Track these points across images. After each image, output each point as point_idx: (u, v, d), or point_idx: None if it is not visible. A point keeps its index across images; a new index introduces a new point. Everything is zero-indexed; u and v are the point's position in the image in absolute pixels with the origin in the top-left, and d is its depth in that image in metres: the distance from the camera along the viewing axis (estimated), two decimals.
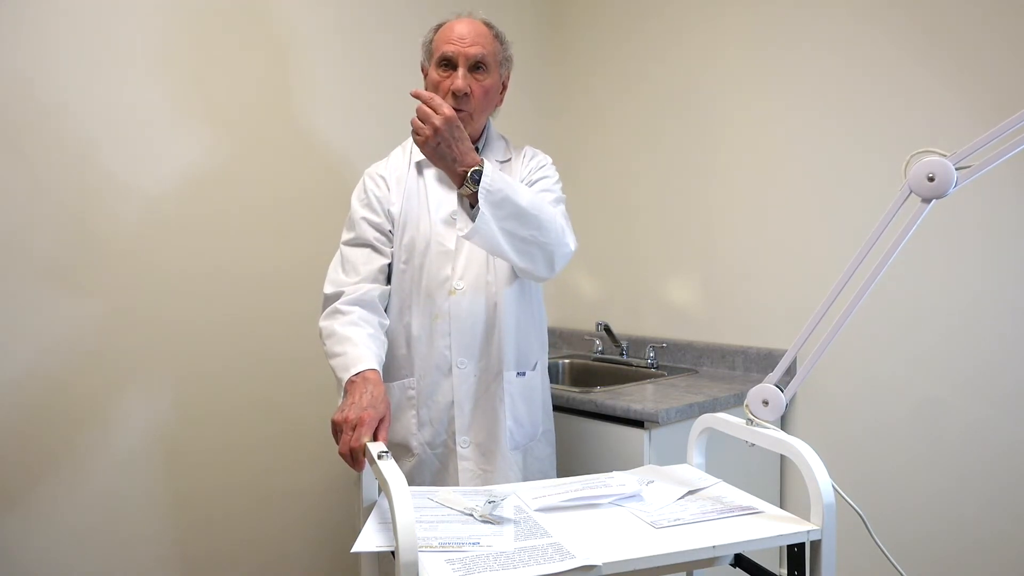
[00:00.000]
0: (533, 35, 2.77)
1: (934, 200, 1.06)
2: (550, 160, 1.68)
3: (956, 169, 1.04)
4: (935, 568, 1.89)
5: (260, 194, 2.08)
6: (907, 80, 1.92)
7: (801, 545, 1.10)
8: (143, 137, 1.88)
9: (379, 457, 1.07)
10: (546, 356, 1.71)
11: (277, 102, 2.11)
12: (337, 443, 1.20)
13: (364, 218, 1.57)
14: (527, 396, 1.61)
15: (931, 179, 1.05)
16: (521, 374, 1.60)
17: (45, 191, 1.75)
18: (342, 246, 1.58)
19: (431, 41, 1.58)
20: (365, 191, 1.60)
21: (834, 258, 2.05)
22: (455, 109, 1.51)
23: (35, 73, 1.72)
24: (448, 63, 1.52)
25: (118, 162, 1.84)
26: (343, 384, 1.32)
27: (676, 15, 2.44)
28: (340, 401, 1.32)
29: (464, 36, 1.52)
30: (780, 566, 2.04)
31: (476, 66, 1.52)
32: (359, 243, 1.56)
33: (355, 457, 1.17)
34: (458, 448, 1.54)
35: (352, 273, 1.52)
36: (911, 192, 1.07)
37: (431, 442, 1.56)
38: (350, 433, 1.18)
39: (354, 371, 1.31)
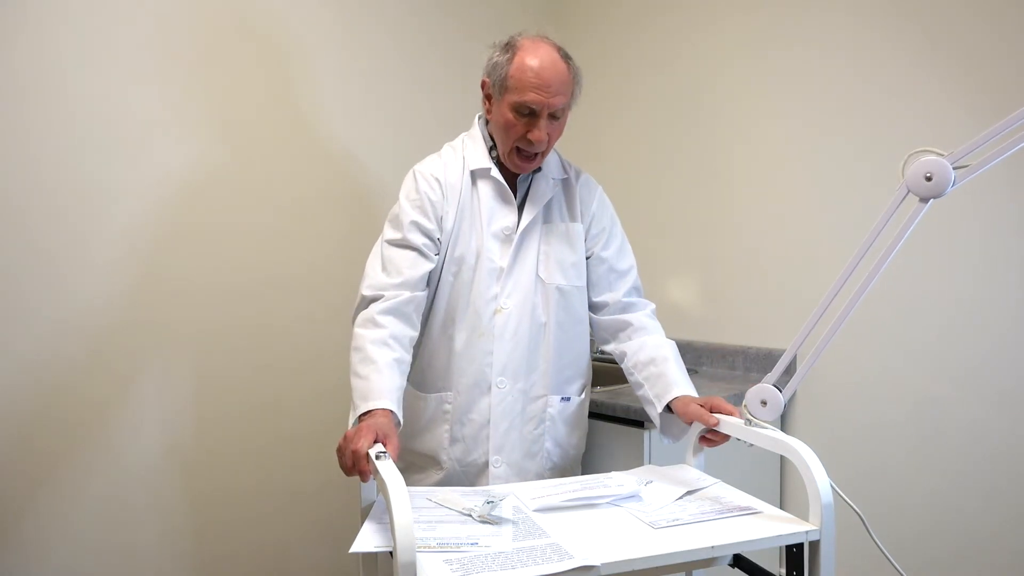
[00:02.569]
0: None
1: (932, 199, 1.06)
2: (608, 201, 1.66)
3: (954, 168, 1.04)
4: (934, 567, 1.89)
5: (266, 198, 2.08)
6: (906, 81, 1.92)
7: (800, 545, 1.10)
8: (150, 140, 1.87)
9: (377, 458, 1.07)
10: (590, 382, 1.68)
11: (282, 104, 2.10)
12: (340, 466, 1.17)
13: (414, 222, 1.48)
14: (570, 421, 1.60)
15: (929, 178, 1.05)
16: (566, 399, 1.59)
17: (52, 193, 1.74)
18: (385, 243, 1.50)
19: (507, 76, 1.44)
20: (417, 191, 1.51)
21: (834, 258, 2.04)
22: (529, 155, 1.49)
23: (38, 74, 1.72)
24: (529, 111, 1.44)
25: (122, 164, 1.84)
26: (356, 411, 1.30)
27: (677, 19, 2.43)
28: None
29: (550, 85, 1.42)
30: (780, 566, 2.03)
31: (555, 113, 1.46)
32: (404, 245, 1.48)
33: (357, 463, 1.13)
34: (491, 467, 1.52)
35: (395, 274, 1.45)
36: (909, 191, 1.07)
37: (461, 459, 1.54)
38: (351, 449, 1.14)
39: (370, 405, 1.27)
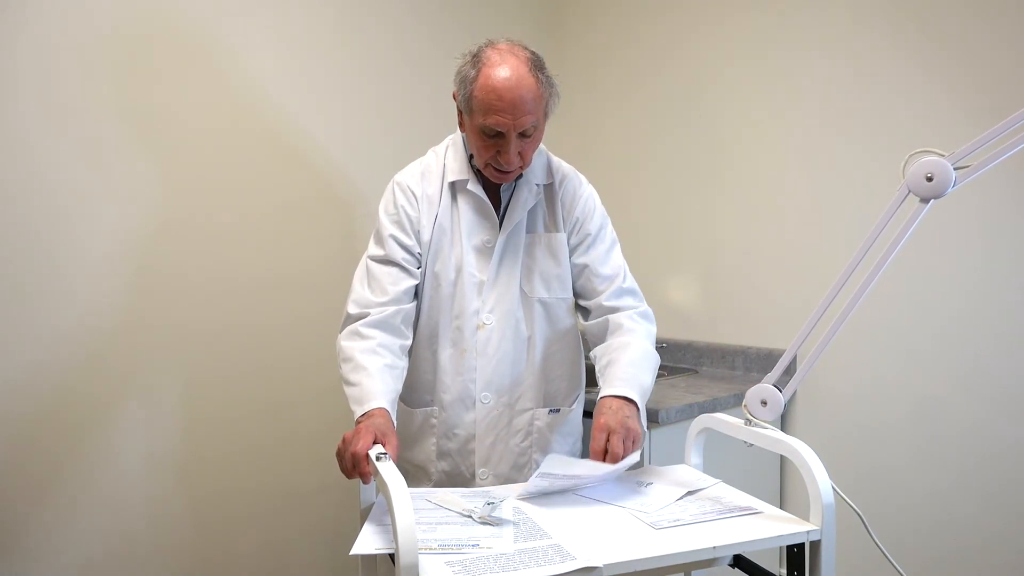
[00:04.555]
0: (532, 39, 2.74)
1: (932, 200, 1.06)
2: (596, 196, 1.60)
3: (954, 169, 1.04)
4: (934, 567, 1.89)
5: (263, 199, 2.08)
6: (906, 82, 1.92)
7: (801, 545, 1.10)
8: (145, 140, 1.87)
9: (378, 459, 1.07)
10: (583, 393, 1.65)
11: (278, 104, 2.10)
12: (341, 470, 1.17)
13: (393, 236, 1.47)
14: (561, 430, 1.58)
15: (929, 179, 1.05)
16: (555, 411, 1.57)
17: (51, 195, 1.74)
18: (368, 260, 1.49)
19: (471, 95, 1.37)
20: (395, 206, 1.49)
21: (834, 258, 2.05)
22: (504, 172, 1.43)
23: (36, 73, 1.72)
24: (496, 133, 1.38)
25: (120, 165, 1.84)
26: (355, 418, 1.29)
27: (677, 19, 2.44)
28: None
29: (515, 106, 1.34)
30: (780, 566, 2.03)
31: (524, 131, 1.38)
32: (387, 261, 1.47)
33: (358, 466, 1.13)
34: (477, 480, 1.52)
35: (379, 292, 1.44)
36: (909, 192, 1.07)
37: (449, 471, 1.54)
38: (351, 452, 1.14)
39: (366, 407, 1.27)
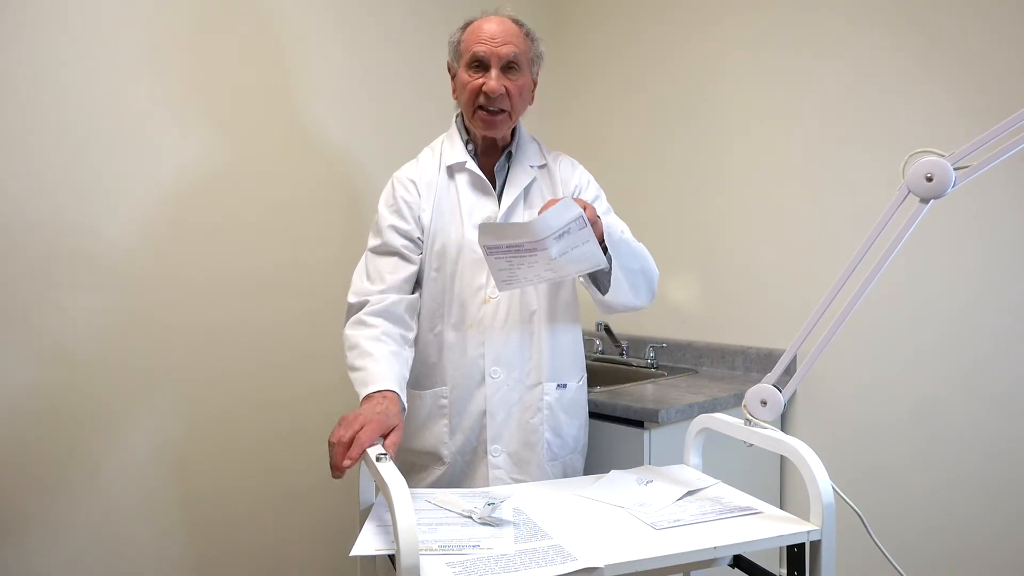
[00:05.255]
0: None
1: (932, 200, 1.06)
2: (591, 175, 1.66)
3: (954, 169, 1.04)
4: (934, 567, 1.89)
5: (263, 197, 2.08)
6: (906, 82, 1.92)
7: (801, 545, 1.10)
8: (145, 139, 1.87)
9: (378, 459, 1.06)
10: (585, 370, 1.67)
11: (278, 103, 2.10)
12: (330, 445, 1.15)
13: (392, 225, 1.51)
14: (569, 409, 1.59)
15: (929, 179, 1.05)
16: (562, 386, 1.57)
17: (48, 193, 1.74)
18: (368, 252, 1.53)
19: (459, 41, 1.52)
20: (394, 196, 1.54)
21: (834, 258, 2.05)
22: (490, 111, 1.49)
23: (36, 73, 1.71)
24: (480, 64, 1.48)
25: (120, 164, 1.84)
26: (360, 399, 1.29)
27: (677, 19, 2.43)
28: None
29: (495, 35, 1.48)
30: (780, 566, 2.03)
31: (508, 66, 1.49)
32: (386, 251, 1.50)
33: (351, 451, 1.11)
34: (489, 456, 1.52)
35: (378, 281, 1.47)
36: (909, 192, 1.07)
37: (461, 449, 1.54)
38: (354, 428, 1.13)
39: (372, 388, 1.27)
